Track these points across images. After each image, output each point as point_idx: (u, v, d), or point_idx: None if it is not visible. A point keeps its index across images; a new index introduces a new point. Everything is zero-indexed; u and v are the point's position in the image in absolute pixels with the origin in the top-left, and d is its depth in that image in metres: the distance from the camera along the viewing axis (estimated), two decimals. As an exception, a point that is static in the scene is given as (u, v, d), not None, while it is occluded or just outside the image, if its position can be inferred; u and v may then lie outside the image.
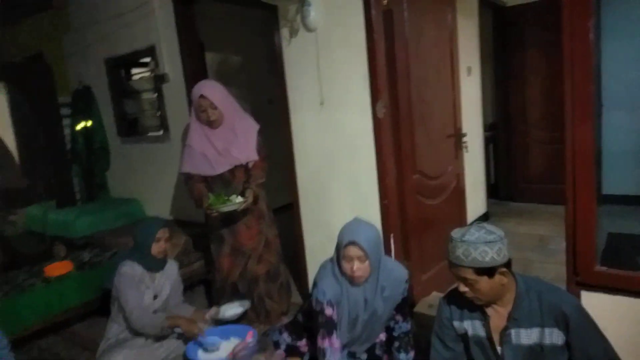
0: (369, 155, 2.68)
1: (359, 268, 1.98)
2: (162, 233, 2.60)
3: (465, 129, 3.34)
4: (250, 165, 2.76)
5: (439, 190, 3.09)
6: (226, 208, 2.60)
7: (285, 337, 2.34)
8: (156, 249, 2.58)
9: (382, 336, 2.29)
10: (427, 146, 2.91)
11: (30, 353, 2.92)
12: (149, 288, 2.61)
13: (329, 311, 2.01)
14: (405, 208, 2.77)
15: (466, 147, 3.28)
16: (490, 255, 1.52)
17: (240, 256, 2.85)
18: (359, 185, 2.76)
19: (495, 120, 5.17)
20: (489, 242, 1.53)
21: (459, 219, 3.32)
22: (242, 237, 2.83)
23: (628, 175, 4.29)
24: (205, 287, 3.49)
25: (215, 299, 3.03)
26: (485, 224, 1.62)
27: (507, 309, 1.63)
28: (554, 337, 1.58)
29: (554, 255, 3.39)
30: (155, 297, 2.63)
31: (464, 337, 1.75)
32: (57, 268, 3.11)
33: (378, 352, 2.28)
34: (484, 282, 1.56)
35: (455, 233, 1.60)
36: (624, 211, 4.18)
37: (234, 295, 2.90)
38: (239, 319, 2.75)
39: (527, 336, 1.61)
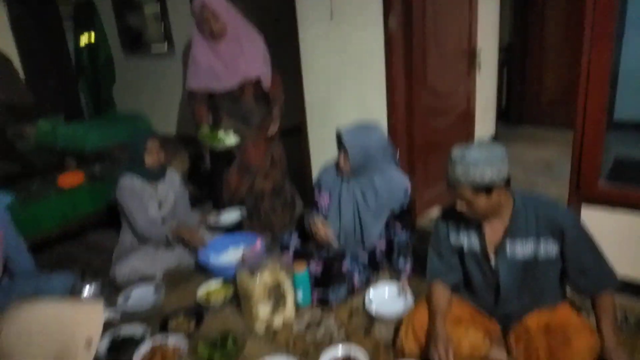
0: (378, 71, 2.62)
1: (343, 162, 2.23)
2: (152, 143, 2.63)
3: (479, 47, 3.22)
4: (261, 80, 2.71)
5: (448, 109, 3.05)
6: (217, 146, 2.57)
7: (295, 240, 2.46)
8: (149, 159, 2.63)
9: (382, 245, 2.39)
10: (439, 62, 2.84)
11: (49, 258, 3.08)
12: (152, 198, 2.69)
13: (316, 194, 2.37)
14: (412, 126, 2.75)
15: (479, 66, 3.18)
16: (489, 175, 1.52)
17: (247, 174, 2.90)
18: (366, 102, 2.73)
19: (511, 41, 4.95)
20: (489, 162, 1.52)
21: (467, 140, 3.30)
22: (250, 156, 2.86)
23: (644, 100, 4.18)
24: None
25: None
26: (485, 142, 1.62)
27: (504, 224, 1.66)
28: (549, 247, 1.63)
29: (558, 178, 3.40)
30: (160, 205, 2.72)
31: (460, 252, 1.80)
32: (70, 178, 3.20)
33: (378, 258, 2.38)
34: (481, 200, 1.57)
35: (455, 152, 1.57)
36: (636, 138, 4.14)
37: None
38: (240, 227, 2.86)
39: (522, 249, 1.65)
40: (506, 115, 5.00)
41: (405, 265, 2.31)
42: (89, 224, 3.19)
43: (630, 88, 4.15)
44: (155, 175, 2.70)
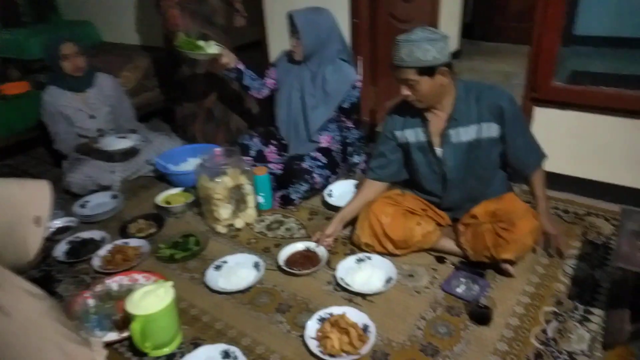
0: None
1: (295, 45, 2.24)
2: (67, 48, 2.43)
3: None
4: None
5: (412, 20, 2.96)
6: (196, 56, 2.34)
7: (256, 142, 2.45)
8: (69, 66, 2.45)
9: (337, 144, 2.41)
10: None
11: (1, 170, 2.96)
12: (81, 110, 2.55)
13: (269, 70, 2.44)
14: (376, 29, 2.68)
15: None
16: (432, 53, 1.54)
17: (215, 80, 2.79)
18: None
19: (480, -48, 4.78)
20: (432, 40, 1.54)
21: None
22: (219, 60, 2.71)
23: (605, 15, 4.20)
24: (165, 115, 3.45)
25: (182, 125, 3.03)
26: (428, 27, 1.62)
27: (447, 112, 1.72)
28: (491, 130, 1.71)
29: (516, 88, 3.42)
30: (92, 117, 2.59)
31: (406, 147, 1.85)
32: (14, 87, 2.99)
33: (336, 158, 2.41)
34: (425, 82, 1.60)
35: (400, 36, 1.59)
36: (596, 52, 4.20)
37: (208, 122, 2.91)
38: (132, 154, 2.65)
39: (465, 133, 1.72)
40: (470, 30, 4.94)
41: (360, 160, 2.39)
42: (39, 136, 3.04)
43: (591, 4, 4.16)
44: (80, 84, 2.53)
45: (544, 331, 1.49)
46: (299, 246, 1.95)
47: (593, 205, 2.14)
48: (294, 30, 2.24)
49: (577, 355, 1.40)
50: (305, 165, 2.28)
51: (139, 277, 1.82)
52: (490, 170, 1.84)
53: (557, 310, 1.57)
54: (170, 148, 2.72)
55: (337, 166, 2.42)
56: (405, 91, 1.66)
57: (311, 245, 1.94)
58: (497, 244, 1.67)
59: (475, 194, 1.83)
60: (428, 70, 1.58)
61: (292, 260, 1.88)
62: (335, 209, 2.11)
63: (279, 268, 1.85)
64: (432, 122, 1.76)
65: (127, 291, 1.62)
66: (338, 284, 1.73)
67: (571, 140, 2.14)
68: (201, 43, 2.32)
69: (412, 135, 1.82)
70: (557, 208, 2.15)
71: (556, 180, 2.20)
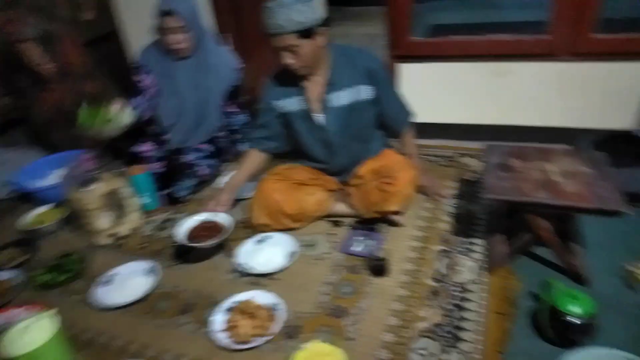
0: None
1: (182, 39, 2.03)
2: None
3: None
4: None
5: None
6: (108, 130, 1.99)
7: (139, 146, 2.25)
8: None
9: (222, 131, 2.32)
10: None
11: None
12: None
13: (137, 75, 2.17)
14: (241, 10, 2.58)
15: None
16: (308, 14, 1.52)
17: (68, 78, 2.48)
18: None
19: None
20: (306, 2, 1.52)
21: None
22: (67, 55, 2.41)
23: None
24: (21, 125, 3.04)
25: (41, 134, 2.69)
26: None
27: (324, 77, 1.72)
28: (367, 92, 1.75)
29: (382, 49, 3.59)
30: None
31: (286, 116, 1.83)
32: None
33: (223, 145, 2.32)
34: (307, 45, 1.58)
35: (271, 2, 1.53)
36: (449, 5, 4.52)
37: (70, 126, 2.59)
38: None
39: (343, 97, 1.74)
40: (336, -4, 5.00)
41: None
42: None
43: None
44: None
45: (437, 269, 1.60)
46: (196, 219, 1.84)
47: (464, 147, 2.33)
48: (174, 24, 1.99)
49: (468, 284, 1.53)
50: (189, 158, 2.16)
51: (19, 311, 1.60)
52: (369, 131, 1.89)
53: (446, 248, 1.69)
54: (29, 162, 2.41)
55: (223, 153, 2.33)
56: (288, 59, 1.61)
57: (209, 215, 1.85)
58: (383, 199, 1.74)
59: (358, 155, 1.88)
60: (308, 32, 1.55)
61: (194, 235, 1.77)
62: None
63: (181, 249, 1.76)
64: (309, 88, 1.75)
65: (2, 332, 1.42)
66: (240, 270, 1.69)
67: (435, 90, 2.28)
68: (110, 112, 1.96)
69: (291, 104, 1.80)
70: (433, 155, 2.30)
71: (429, 129, 2.35)
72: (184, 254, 1.81)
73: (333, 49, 1.72)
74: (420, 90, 2.22)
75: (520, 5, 2.95)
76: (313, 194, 1.85)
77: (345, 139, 1.83)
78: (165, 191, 2.16)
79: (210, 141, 2.27)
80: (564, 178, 1.44)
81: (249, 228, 1.90)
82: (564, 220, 1.49)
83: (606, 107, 2.07)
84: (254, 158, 1.94)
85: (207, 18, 2.22)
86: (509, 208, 1.54)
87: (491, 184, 1.46)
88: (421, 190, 1.94)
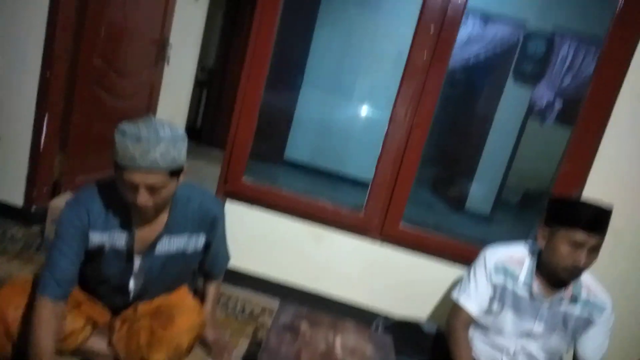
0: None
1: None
2: None
3: (176, 48, 3.14)
4: None
5: (125, 89, 2.78)
6: None
7: None
8: None
9: None
10: (121, 34, 2.58)
11: None
12: None
13: None
14: (76, 92, 2.37)
15: (168, 60, 3.08)
16: (183, 152, 1.32)
17: None
18: (18, 43, 2.18)
19: (215, 65, 5.18)
20: (181, 137, 1.30)
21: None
22: None
23: (307, 145, 5.03)
24: None
25: None
26: (152, 118, 1.34)
27: (162, 219, 1.45)
28: (199, 241, 1.55)
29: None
30: None
31: (95, 250, 1.42)
32: None
33: None
34: (172, 185, 1.33)
35: (138, 130, 1.23)
36: (299, 175, 4.90)
37: None
38: None
39: (175, 242, 1.49)
40: (199, 135, 5.08)
41: None
42: None
43: (298, 135, 4.95)
44: None
45: None
46: None
47: (269, 305, 2.17)
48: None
49: None
50: None
51: None
52: (185, 278, 1.64)
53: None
54: None
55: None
56: (144, 199, 1.28)
57: None
58: (151, 343, 1.41)
59: (154, 295, 1.57)
60: (177, 172, 1.32)
61: None
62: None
63: None
64: (141, 227, 1.43)
65: None
66: None
67: (256, 237, 2.20)
68: None
69: (112, 239, 1.41)
70: (234, 306, 2.08)
71: (240, 278, 2.19)
72: None
73: (181, 187, 1.45)
74: (242, 234, 2.11)
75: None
76: (65, 321, 1.42)
77: (155, 286, 1.53)
78: None
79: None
80: (345, 354, 1.34)
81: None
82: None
83: (403, 294, 2.17)
84: (48, 319, 1.30)
85: None
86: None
87: (271, 347, 1.29)
88: (204, 344, 1.66)
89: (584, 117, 1.96)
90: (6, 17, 2.15)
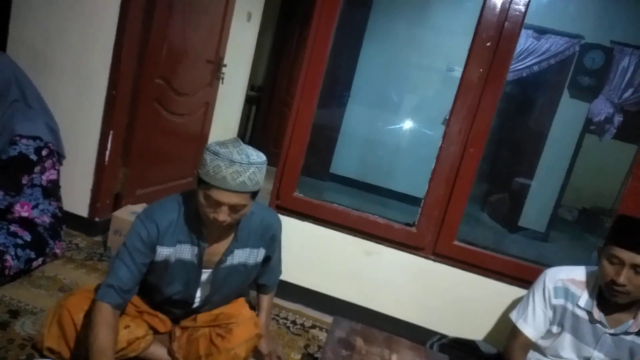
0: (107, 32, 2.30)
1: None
2: None
3: (229, 68, 3.27)
4: None
5: (182, 107, 2.91)
6: None
7: None
8: None
9: (45, 219, 1.99)
10: (180, 56, 2.71)
11: None
12: None
13: None
14: (138, 109, 2.50)
15: (222, 79, 3.20)
16: (263, 175, 1.37)
17: None
18: (88, 64, 2.34)
19: (263, 83, 5.32)
20: (265, 161, 1.37)
21: (197, 147, 3.20)
22: None
23: (353, 160, 5.05)
24: None
25: None
26: (238, 140, 1.38)
27: (231, 231, 1.50)
28: (259, 255, 1.59)
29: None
30: None
31: (162, 263, 1.45)
32: None
33: (44, 234, 1.94)
34: (250, 205, 1.39)
35: (231, 153, 1.28)
36: (345, 190, 4.91)
37: None
38: None
39: (240, 256, 1.54)
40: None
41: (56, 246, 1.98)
42: None
43: (344, 150, 4.98)
44: None
45: None
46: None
47: (319, 319, 2.17)
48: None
49: None
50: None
51: None
52: (244, 290, 1.69)
53: None
54: None
55: (45, 246, 1.94)
56: (224, 215, 1.32)
57: None
58: (209, 353, 1.45)
59: (214, 307, 1.62)
60: (256, 194, 1.38)
61: None
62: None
63: None
64: (211, 241, 1.47)
65: None
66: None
67: (306, 252, 2.21)
68: None
69: (180, 252, 1.45)
70: (286, 319, 2.10)
71: (291, 291, 2.21)
72: None
73: None
74: (293, 247, 2.13)
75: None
76: (129, 328, 1.48)
77: (217, 298, 1.58)
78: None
79: (28, 226, 1.88)
80: (403, 373, 1.31)
81: (32, 349, 1.46)
82: None
83: (457, 313, 2.11)
84: (109, 324, 1.36)
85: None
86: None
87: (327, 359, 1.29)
88: (258, 355, 1.68)
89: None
90: (75, 40, 2.31)
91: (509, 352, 1.59)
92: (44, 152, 2.03)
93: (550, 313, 1.54)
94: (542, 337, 1.57)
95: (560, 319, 1.53)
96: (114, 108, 2.35)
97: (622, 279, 1.34)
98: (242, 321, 1.54)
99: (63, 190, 2.27)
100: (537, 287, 1.58)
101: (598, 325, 1.46)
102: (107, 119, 2.36)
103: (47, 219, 2.00)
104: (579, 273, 1.55)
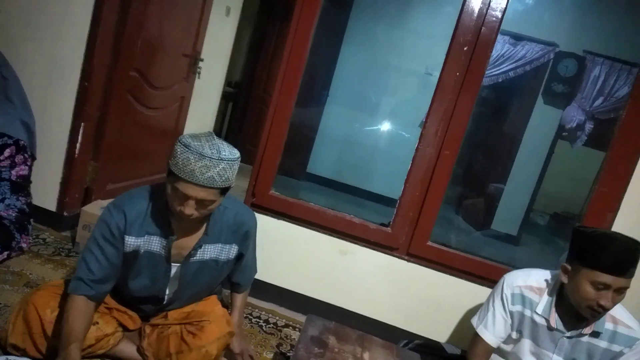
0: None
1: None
2: None
3: (206, 62, 3.22)
4: None
5: (157, 101, 2.85)
6: None
7: None
8: None
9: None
10: (156, 48, 2.66)
11: None
12: None
13: None
14: (110, 102, 2.44)
15: (199, 74, 3.16)
16: (235, 172, 1.35)
17: None
18: (61, 55, 2.27)
19: (241, 79, 5.27)
20: (238, 158, 1.35)
21: (170, 142, 3.14)
22: None
23: (330, 161, 5.05)
24: None
25: None
26: (212, 134, 1.37)
27: (201, 226, 1.48)
28: (232, 252, 1.57)
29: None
30: None
31: (131, 255, 1.44)
32: None
33: (11, 228, 1.88)
34: (219, 200, 1.36)
35: (202, 147, 1.26)
36: (322, 189, 4.91)
37: None
38: None
39: (210, 251, 1.52)
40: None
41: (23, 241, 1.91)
42: None
43: (321, 150, 4.98)
44: None
45: None
46: None
47: (293, 318, 2.16)
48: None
49: None
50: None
51: None
52: (215, 286, 1.68)
53: None
54: None
55: (11, 240, 1.88)
56: (191, 209, 1.30)
57: None
58: (180, 350, 1.43)
59: (185, 304, 1.59)
60: (226, 190, 1.36)
61: None
62: None
63: None
64: (180, 234, 1.45)
65: None
66: None
67: (282, 251, 2.20)
68: None
69: (149, 244, 1.43)
70: (259, 318, 2.09)
71: (265, 290, 2.19)
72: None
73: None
74: (268, 246, 2.12)
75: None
76: (97, 325, 1.44)
77: (186, 294, 1.56)
78: None
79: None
80: (375, 371, 1.32)
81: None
82: None
83: (429, 312, 2.13)
84: (83, 311, 1.35)
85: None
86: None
87: (299, 358, 1.28)
88: (230, 354, 1.66)
89: (619, 140, 1.93)
90: (48, 30, 2.24)
91: (470, 357, 1.60)
92: (8, 151, 1.97)
93: (508, 319, 1.55)
94: (504, 342, 1.59)
95: (519, 325, 1.54)
96: (86, 100, 2.28)
97: (610, 304, 1.32)
98: (214, 319, 1.52)
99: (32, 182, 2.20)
100: (496, 293, 1.59)
101: (555, 331, 1.48)
102: (79, 111, 2.29)
103: (12, 213, 1.93)
104: (535, 279, 1.54)
